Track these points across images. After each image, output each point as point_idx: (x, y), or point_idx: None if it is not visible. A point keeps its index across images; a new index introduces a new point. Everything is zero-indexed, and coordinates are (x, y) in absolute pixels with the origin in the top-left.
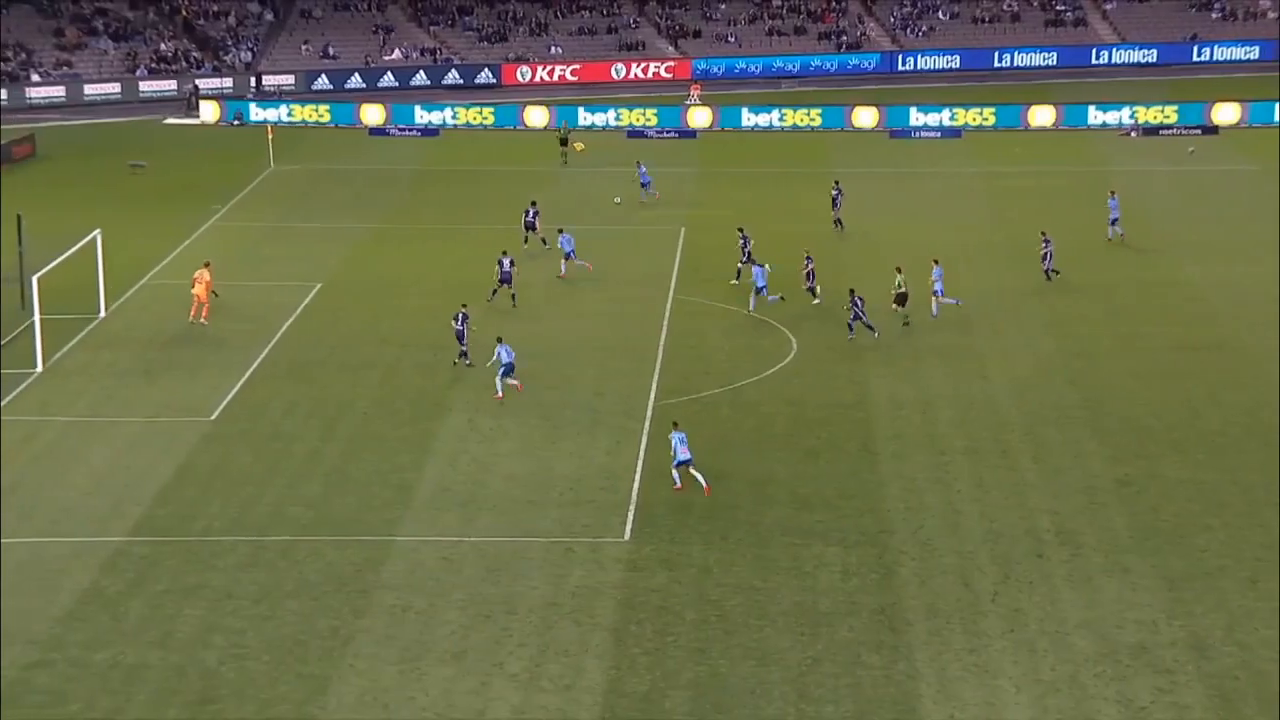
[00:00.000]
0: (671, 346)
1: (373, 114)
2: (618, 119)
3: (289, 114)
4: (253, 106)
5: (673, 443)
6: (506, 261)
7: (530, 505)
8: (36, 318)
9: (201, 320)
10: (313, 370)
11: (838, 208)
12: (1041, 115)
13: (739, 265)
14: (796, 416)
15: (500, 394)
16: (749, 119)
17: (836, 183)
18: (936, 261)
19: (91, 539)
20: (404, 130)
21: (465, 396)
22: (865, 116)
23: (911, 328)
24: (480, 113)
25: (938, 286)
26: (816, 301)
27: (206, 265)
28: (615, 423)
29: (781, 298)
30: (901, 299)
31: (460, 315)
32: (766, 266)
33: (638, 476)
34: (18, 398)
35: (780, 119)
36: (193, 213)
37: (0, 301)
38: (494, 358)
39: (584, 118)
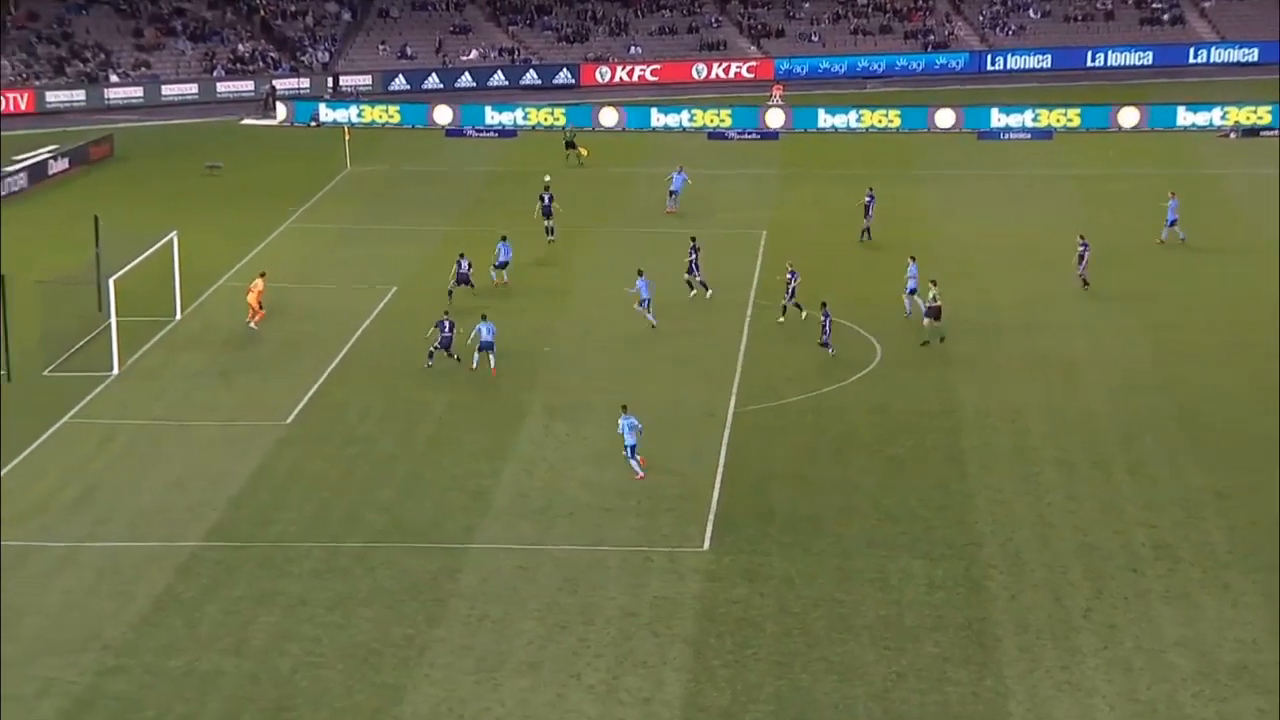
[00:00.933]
0: (752, 352)
1: (443, 115)
2: (692, 120)
3: (359, 115)
4: (322, 107)
5: (621, 428)
6: (464, 263)
7: (608, 513)
8: (113, 320)
9: (251, 324)
10: (389, 374)
11: (869, 216)
12: (1129, 116)
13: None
14: (881, 424)
15: (475, 366)
16: (825, 120)
17: (870, 190)
18: (913, 259)
19: (167, 543)
20: (481, 131)
21: (542, 401)
22: (946, 117)
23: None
24: (552, 113)
25: (911, 285)
26: (801, 316)
27: (262, 275)
28: (694, 430)
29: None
30: (934, 313)
31: (447, 323)
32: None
33: (717, 485)
34: (95, 400)
35: (858, 120)
36: (269, 214)
37: (77, 304)
38: (474, 333)
39: (657, 119)
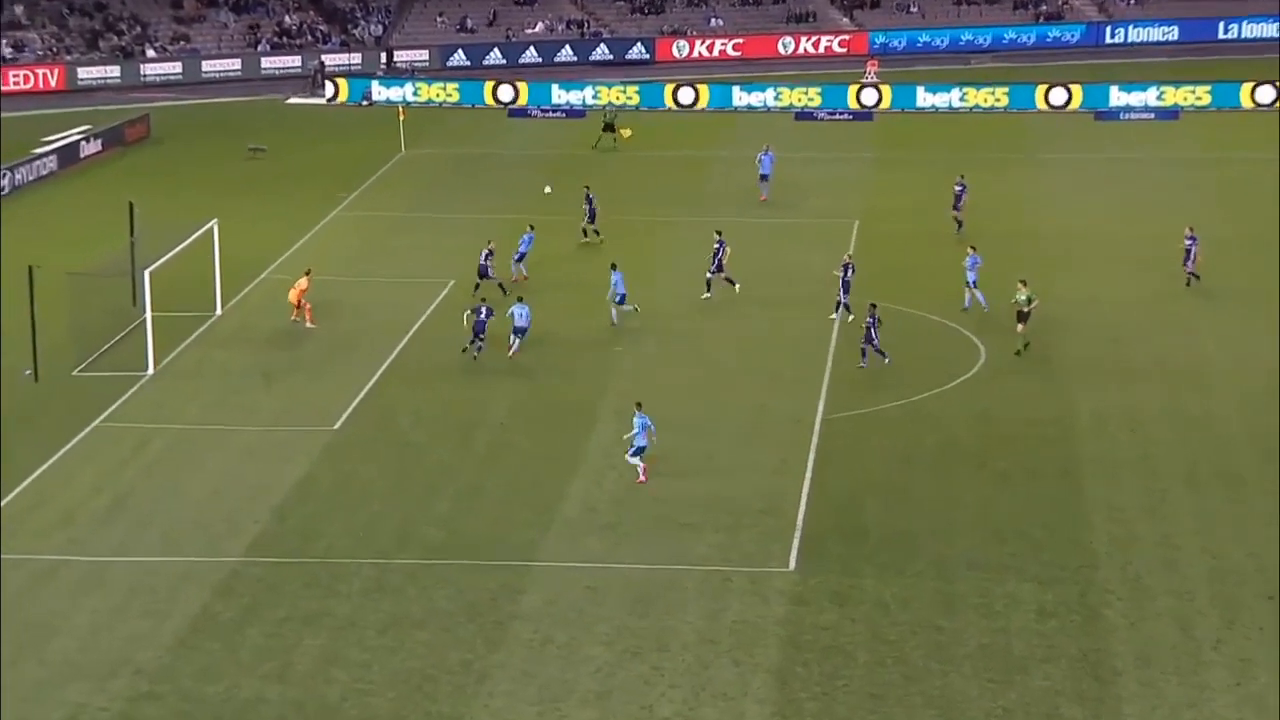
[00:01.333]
0: (842, 354)
1: (506, 93)
2: (778, 99)
3: (415, 93)
4: (375, 85)
5: (635, 427)
6: (484, 254)
7: (684, 529)
8: (148, 315)
9: (307, 322)
10: (446, 375)
11: (960, 206)
12: (1266, 94)
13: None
14: (985, 434)
15: (512, 352)
16: (925, 99)
17: (961, 177)
18: (973, 249)
19: (205, 559)
20: (546, 111)
21: (613, 405)
22: (1059, 96)
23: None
24: (624, 92)
25: (970, 277)
26: (849, 318)
27: (307, 274)
28: (779, 439)
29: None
30: (1024, 317)
31: (484, 309)
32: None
33: (804, 499)
34: (128, 402)
35: (961, 99)
36: (317, 201)
37: (110, 297)
38: (507, 314)
39: (739, 98)
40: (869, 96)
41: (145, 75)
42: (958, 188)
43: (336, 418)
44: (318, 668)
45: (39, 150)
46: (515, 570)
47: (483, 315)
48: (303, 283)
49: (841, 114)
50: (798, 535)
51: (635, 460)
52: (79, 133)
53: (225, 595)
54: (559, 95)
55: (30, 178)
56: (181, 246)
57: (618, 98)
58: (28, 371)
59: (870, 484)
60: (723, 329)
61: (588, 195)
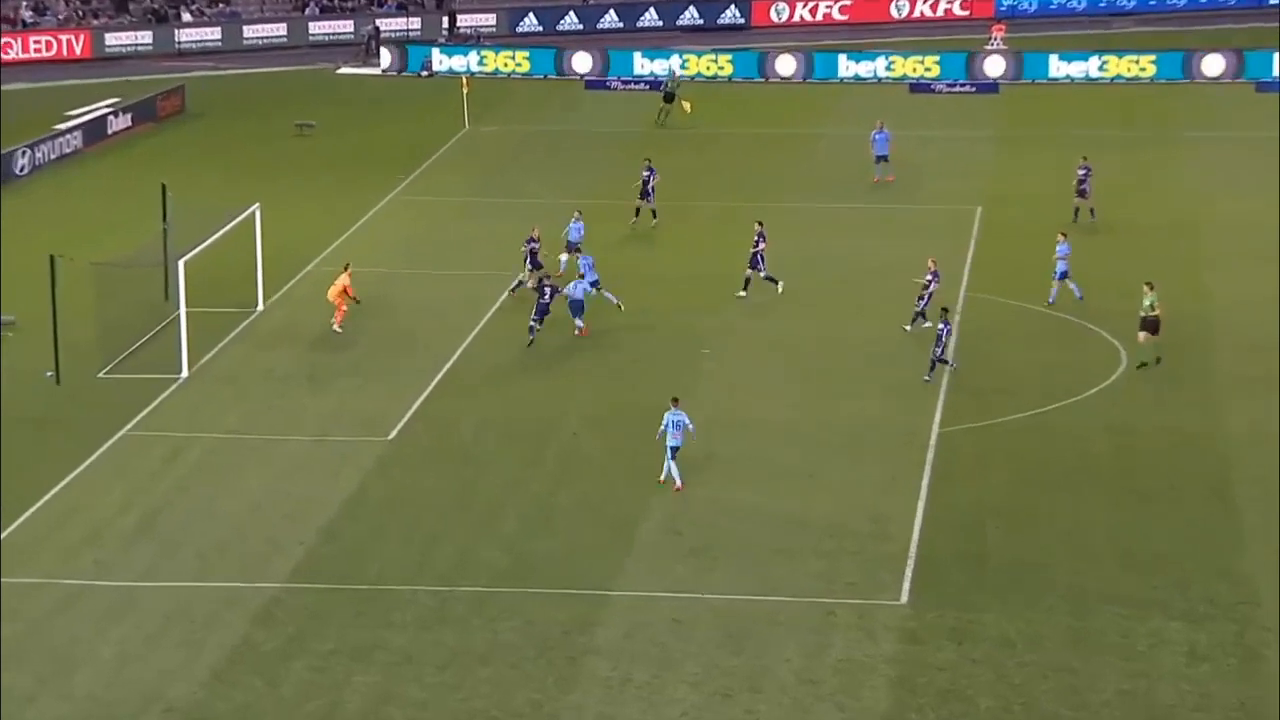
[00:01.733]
0: (963, 357)
1: (582, 62)
2: (890, 69)
3: (480, 62)
4: (436, 53)
5: (665, 425)
6: (533, 242)
7: (781, 555)
8: (182, 311)
9: (335, 328)
10: (512, 378)
11: (1085, 191)
12: None
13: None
14: (1125, 449)
15: (579, 331)
16: (1059, 68)
17: (1085, 159)
18: (1064, 235)
19: (244, 584)
20: (628, 83)
21: (701, 414)
22: (1215, 64)
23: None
24: (715, 61)
25: (1060, 267)
26: (924, 325)
27: (346, 269)
28: (889, 453)
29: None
30: (1150, 325)
31: (548, 289)
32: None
33: (918, 521)
34: (159, 408)
35: (1100, 68)
36: (370, 184)
37: (140, 291)
38: (567, 290)
39: (846, 67)
40: (994, 66)
41: (180, 42)
42: (1081, 170)
43: (391, 427)
44: (369, 707)
45: (62, 126)
46: (590, 600)
47: (546, 297)
48: (343, 279)
49: (962, 86)
50: (911, 563)
51: (671, 465)
52: (107, 106)
53: (266, 624)
54: (642, 65)
55: (52, 156)
56: (220, 234)
57: (708, 68)
58: (49, 373)
59: (993, 505)
60: (819, 330)
61: (648, 166)
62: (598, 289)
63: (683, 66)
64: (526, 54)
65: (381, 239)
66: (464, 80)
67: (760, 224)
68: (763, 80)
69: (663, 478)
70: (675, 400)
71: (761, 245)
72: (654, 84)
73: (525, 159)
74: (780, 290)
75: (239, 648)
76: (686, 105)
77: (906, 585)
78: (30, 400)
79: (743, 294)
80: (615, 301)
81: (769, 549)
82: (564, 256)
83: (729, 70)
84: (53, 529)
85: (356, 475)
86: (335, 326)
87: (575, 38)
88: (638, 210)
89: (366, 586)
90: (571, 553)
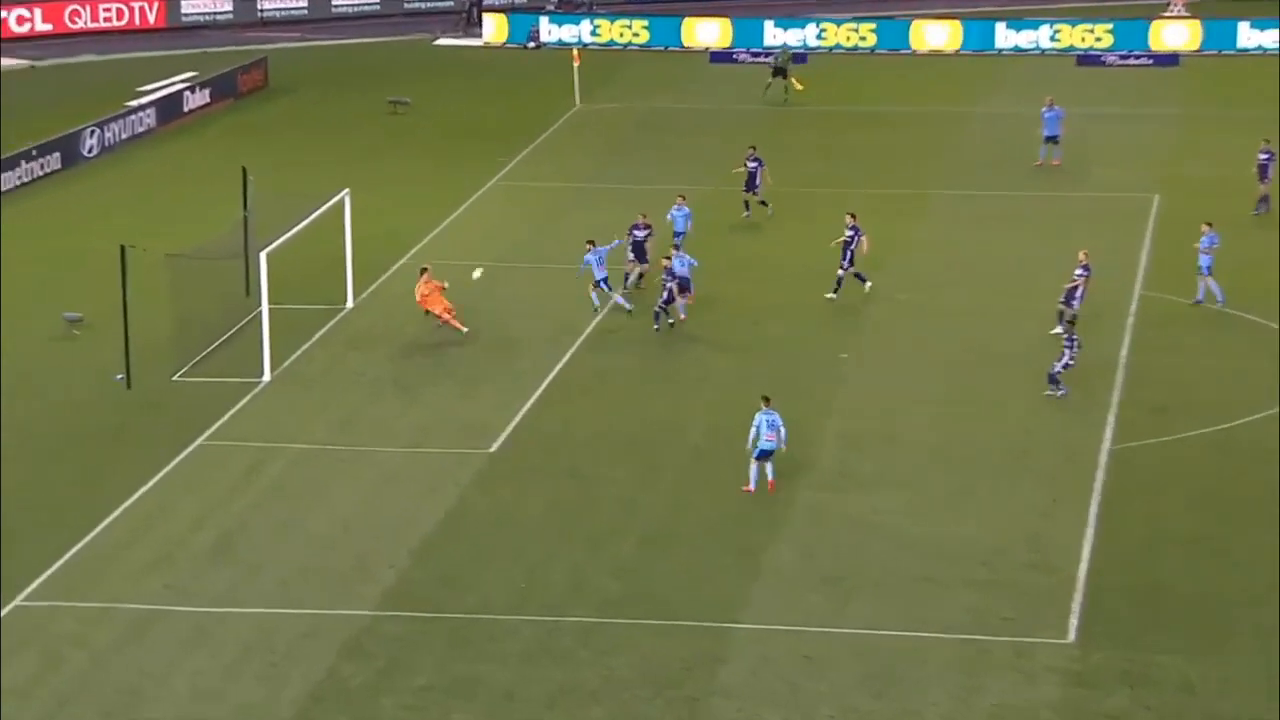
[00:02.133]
0: (1136, 364)
1: (708, 32)
2: (1054, 38)
3: (594, 32)
4: (544, 22)
5: (756, 426)
6: (640, 230)
7: (928, 585)
8: (264, 308)
9: (450, 325)
10: (628, 384)
11: (1266, 179)
12: None
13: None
14: None
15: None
16: (1249, 37)
17: (1267, 142)
18: (1209, 225)
19: (330, 611)
20: (757, 56)
21: (837, 427)
22: None
23: None
24: (856, 31)
25: (1203, 261)
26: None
27: (424, 272)
28: (1051, 473)
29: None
30: None
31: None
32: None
33: (1086, 550)
34: (239, 415)
35: None
36: (471, 167)
37: (218, 285)
38: (583, 265)
39: (1004, 37)
40: (1175, 35)
41: (263, 10)
42: (1263, 156)
43: (493, 438)
44: None
45: (134, 102)
46: (714, 633)
47: (669, 279)
48: (422, 286)
49: (1138, 58)
50: (1078, 596)
51: (756, 467)
52: (183, 81)
53: (355, 656)
54: (774, 35)
55: (123, 136)
56: (306, 223)
57: (848, 38)
58: (119, 376)
59: (1170, 533)
60: (970, 332)
61: (752, 156)
62: (609, 287)
63: (819, 36)
64: (645, 23)
65: (482, 228)
66: (575, 52)
67: (852, 216)
68: (909, 52)
69: (751, 486)
70: (767, 399)
71: (855, 241)
72: (799, 58)
73: (642, 140)
74: (868, 289)
75: (324, 682)
76: (797, 84)
77: (1073, 621)
78: (98, 406)
79: (832, 295)
80: (597, 302)
81: (914, 578)
82: (615, 241)
83: (871, 41)
84: (121, 549)
85: (454, 491)
86: (458, 327)
87: (699, 5)
88: (747, 204)
89: (465, 615)
90: (692, 580)
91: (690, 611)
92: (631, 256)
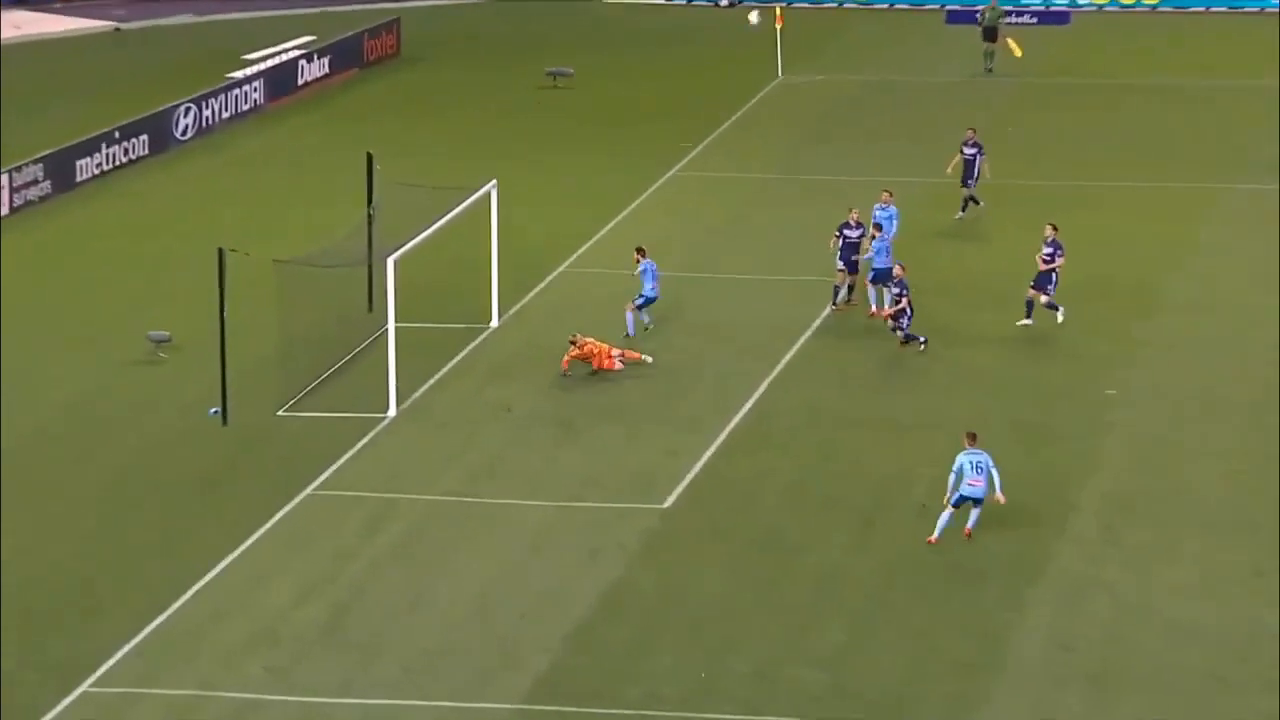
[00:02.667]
0: None
1: None
2: None
3: None
4: None
5: (957, 469)
6: (853, 228)
7: (1217, 685)
8: (390, 326)
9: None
10: (833, 426)
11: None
12: None
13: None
14: None
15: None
16: None
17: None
18: None
19: (465, 704)
20: (1008, 15)
21: (1101, 486)
22: None
23: None
24: None
25: None
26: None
27: (573, 342)
28: None
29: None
30: None
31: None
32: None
33: None
34: (357, 459)
35: None
36: (646, 154)
37: (334, 297)
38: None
39: None
40: None
41: None
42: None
43: (666, 492)
44: None
45: (238, 74)
46: None
47: (896, 290)
48: (573, 352)
49: None
50: None
51: (949, 515)
52: (297, 47)
53: None
54: None
55: (225, 114)
56: (444, 221)
57: None
58: (214, 410)
59: None
60: (1268, 366)
61: (971, 140)
62: (644, 305)
63: None
64: None
65: (658, 229)
66: (777, 11)
67: (1053, 228)
68: (1201, 9)
69: (936, 535)
70: (972, 436)
71: (1056, 260)
72: (1047, 15)
73: (859, 119)
74: (1061, 320)
75: None
76: (1014, 46)
77: None
78: (188, 447)
79: (1027, 321)
80: (647, 322)
81: (1199, 675)
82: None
83: None
84: (214, 622)
85: (619, 557)
86: (639, 358)
87: None
88: (964, 202)
89: (631, 712)
90: (915, 672)
91: (913, 710)
92: (840, 265)
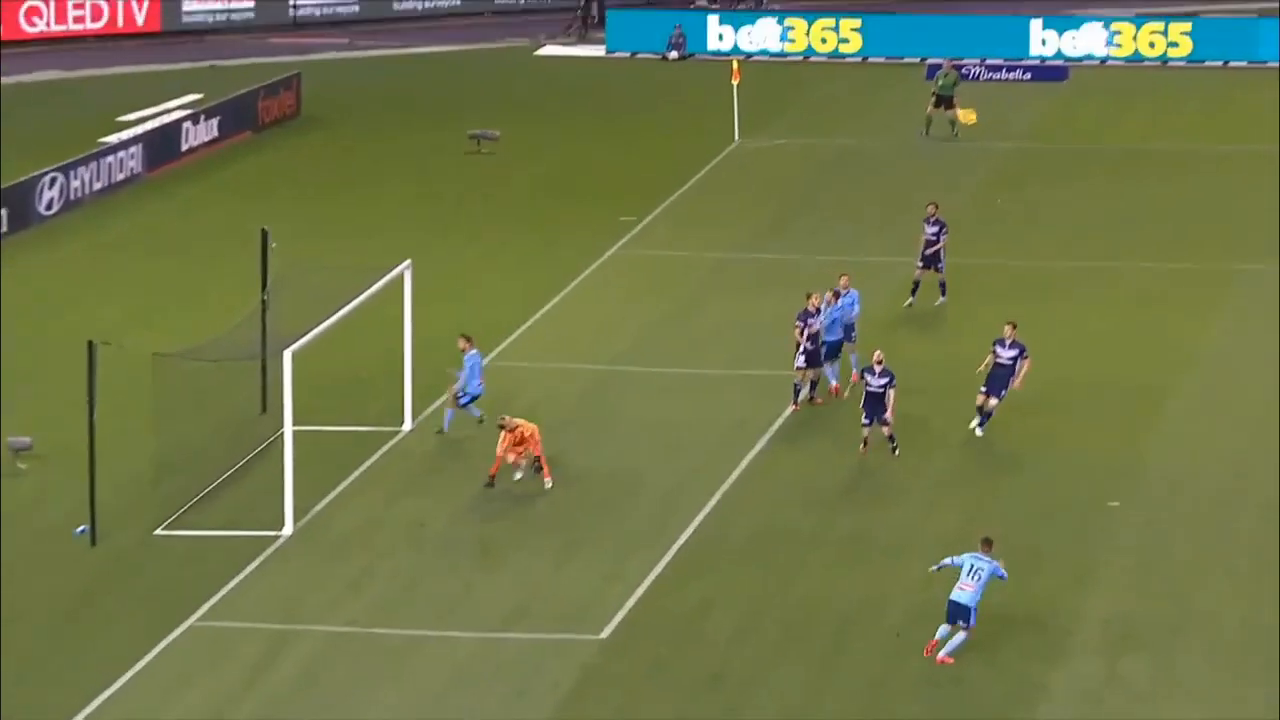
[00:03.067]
0: None
1: (933, 35)
2: None
3: (786, 37)
4: (712, 24)
5: (959, 562)
6: (813, 315)
7: None
8: (287, 430)
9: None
10: (795, 547)
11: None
12: None
13: None
14: None
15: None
16: None
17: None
18: None
19: None
20: (1000, 70)
21: (1103, 608)
22: None
23: None
24: (1163, 34)
25: None
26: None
27: (501, 427)
28: None
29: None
30: None
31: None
32: None
33: None
34: (249, 582)
35: None
36: (582, 230)
37: (221, 396)
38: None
39: None
40: None
41: (296, 6)
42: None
43: (603, 622)
44: None
45: (112, 138)
46: None
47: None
48: (506, 439)
49: None
50: None
51: (946, 630)
52: (182, 107)
53: None
54: (1037, 38)
55: (96, 186)
56: (349, 309)
57: (1151, 45)
58: (82, 529)
59: None
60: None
61: (935, 219)
62: (469, 403)
63: (1110, 43)
64: (858, 23)
65: (596, 317)
66: (734, 66)
67: (1013, 326)
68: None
69: (941, 654)
70: (988, 542)
71: (1018, 361)
72: (1040, 71)
73: (830, 186)
74: (979, 433)
75: None
76: (966, 115)
77: None
78: (51, 572)
79: (976, 427)
80: (478, 415)
81: None
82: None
83: (1185, 49)
84: None
85: (550, 697)
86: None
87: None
88: (915, 285)
89: None
90: None
91: None
92: (802, 361)
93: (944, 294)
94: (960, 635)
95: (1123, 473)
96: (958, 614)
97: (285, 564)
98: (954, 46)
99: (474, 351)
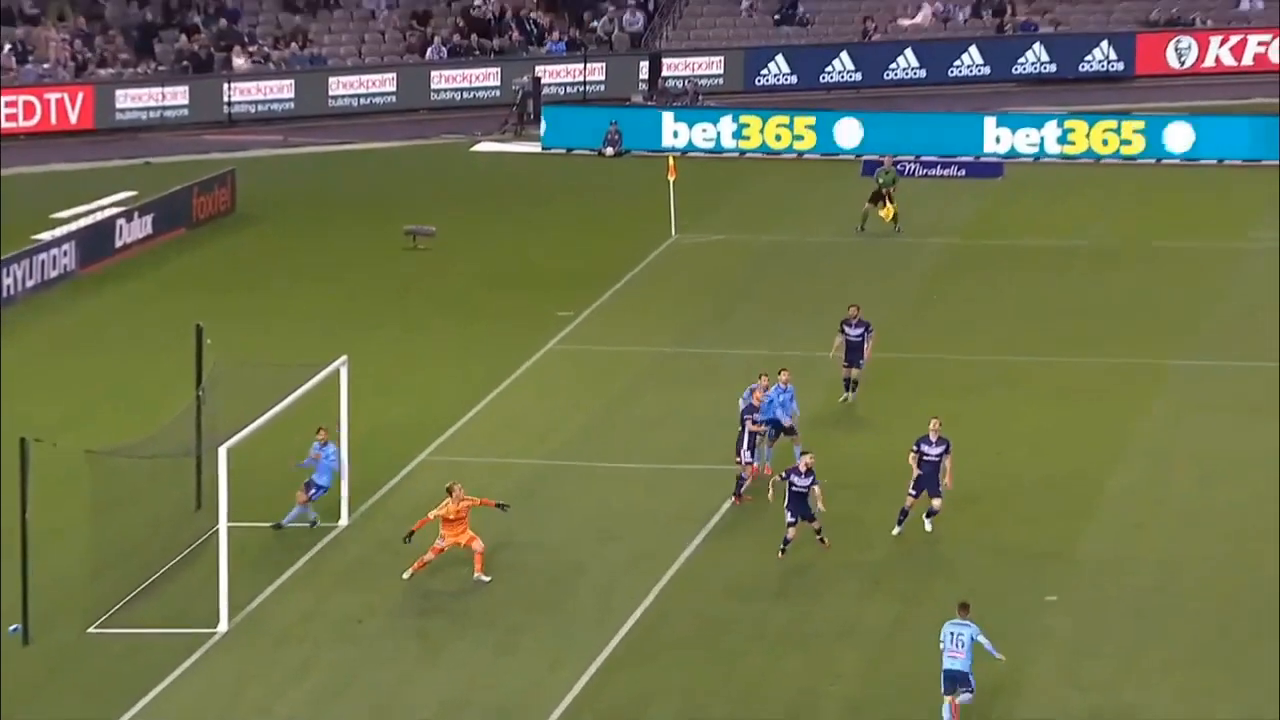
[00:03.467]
0: None
1: (852, 131)
2: None
3: (737, 133)
4: (667, 121)
5: (941, 638)
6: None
7: None
8: (222, 526)
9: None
10: (738, 639)
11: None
12: None
13: None
14: None
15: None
16: None
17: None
18: None
19: None
20: (934, 168)
21: (1036, 709)
22: None
23: None
24: (1087, 130)
25: None
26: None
27: (450, 491)
28: None
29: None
30: None
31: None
32: None
33: None
34: (184, 680)
35: None
36: (519, 326)
37: (157, 492)
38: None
39: None
40: None
41: (231, 103)
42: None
43: (545, 711)
44: None
45: (45, 236)
46: None
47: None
48: (448, 505)
49: None
50: None
51: (948, 707)
52: (115, 205)
53: None
54: (995, 138)
55: (30, 282)
56: (284, 405)
57: (1077, 142)
58: (14, 629)
59: None
60: (1224, 564)
61: (858, 321)
62: (316, 497)
63: (1062, 139)
64: (811, 120)
65: (533, 413)
66: (669, 162)
67: (938, 422)
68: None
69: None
70: (964, 607)
71: (940, 462)
72: (978, 168)
73: (767, 282)
74: (895, 532)
75: None
76: (884, 211)
77: None
78: None
79: (897, 530)
80: (313, 517)
81: None
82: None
83: (1137, 145)
84: None
85: None
86: (476, 572)
87: (851, 95)
88: (847, 383)
89: None
90: None
91: None
92: (748, 455)
93: (853, 390)
94: (965, 695)
95: (1058, 565)
96: (956, 681)
97: (220, 661)
98: (909, 144)
99: (330, 444)
